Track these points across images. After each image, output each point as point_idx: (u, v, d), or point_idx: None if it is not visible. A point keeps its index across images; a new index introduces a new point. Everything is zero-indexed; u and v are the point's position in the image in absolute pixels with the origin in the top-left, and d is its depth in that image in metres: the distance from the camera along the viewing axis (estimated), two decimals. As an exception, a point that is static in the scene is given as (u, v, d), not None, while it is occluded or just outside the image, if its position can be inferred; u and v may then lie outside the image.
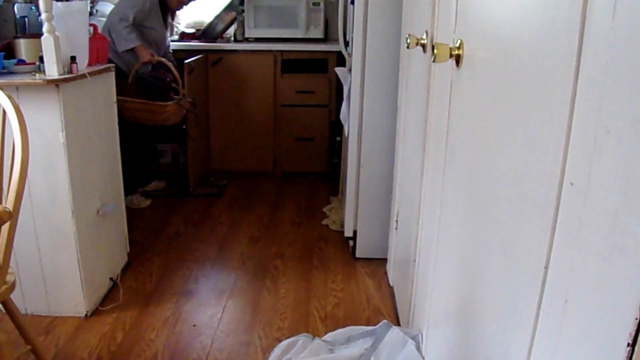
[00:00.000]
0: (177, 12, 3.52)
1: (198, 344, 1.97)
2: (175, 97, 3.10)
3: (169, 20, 3.40)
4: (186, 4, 3.38)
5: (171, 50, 3.45)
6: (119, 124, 2.39)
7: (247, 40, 3.88)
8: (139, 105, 2.96)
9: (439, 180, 1.39)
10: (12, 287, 1.47)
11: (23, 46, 2.13)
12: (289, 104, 3.74)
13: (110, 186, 2.32)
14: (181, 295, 2.30)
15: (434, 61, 1.18)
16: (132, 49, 3.03)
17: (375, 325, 1.66)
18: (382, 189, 2.51)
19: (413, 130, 1.87)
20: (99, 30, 2.43)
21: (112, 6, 3.46)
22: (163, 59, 3.10)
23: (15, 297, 1.54)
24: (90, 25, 2.22)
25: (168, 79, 3.08)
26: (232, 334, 2.04)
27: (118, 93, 2.36)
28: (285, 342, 1.67)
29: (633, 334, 0.51)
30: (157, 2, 3.13)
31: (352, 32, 2.44)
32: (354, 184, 2.57)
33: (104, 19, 3.37)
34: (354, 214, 2.62)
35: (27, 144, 1.39)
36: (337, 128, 3.62)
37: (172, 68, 3.05)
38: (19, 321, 1.56)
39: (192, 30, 3.99)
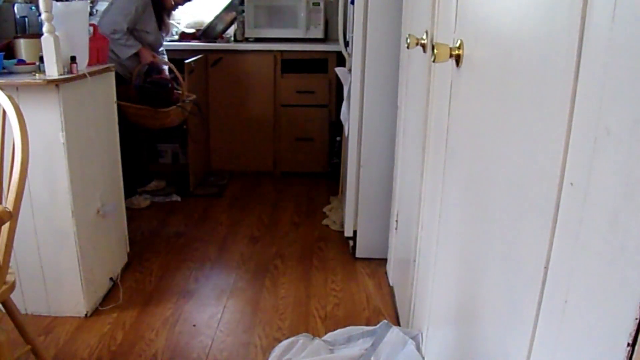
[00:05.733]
0: (173, 12, 3.47)
1: (198, 344, 1.97)
2: (178, 98, 3.09)
3: (166, 20, 3.36)
4: (182, 4, 3.35)
5: (165, 52, 3.42)
6: (120, 124, 2.39)
7: (247, 40, 3.88)
8: (143, 112, 2.96)
9: (439, 180, 1.39)
10: (12, 287, 1.47)
11: (23, 46, 2.13)
12: (289, 104, 3.74)
13: (110, 186, 2.32)
14: (181, 295, 2.30)
15: (434, 61, 1.18)
16: (136, 53, 3.02)
17: (375, 325, 1.66)
18: (382, 189, 2.51)
19: (413, 130, 1.87)
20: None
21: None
22: (165, 60, 3.08)
23: (15, 297, 1.53)
24: (90, 25, 2.22)
25: (170, 85, 3.08)
26: (232, 334, 2.04)
27: (121, 98, 2.34)
28: (285, 342, 1.67)
29: (633, 334, 0.51)
30: (150, 3, 3.07)
31: (352, 32, 2.44)
32: (354, 184, 2.57)
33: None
34: (354, 214, 2.61)
35: (27, 144, 1.39)
36: (337, 128, 3.62)
37: (175, 70, 3.04)
38: (19, 321, 1.56)
39: (192, 30, 3.98)
